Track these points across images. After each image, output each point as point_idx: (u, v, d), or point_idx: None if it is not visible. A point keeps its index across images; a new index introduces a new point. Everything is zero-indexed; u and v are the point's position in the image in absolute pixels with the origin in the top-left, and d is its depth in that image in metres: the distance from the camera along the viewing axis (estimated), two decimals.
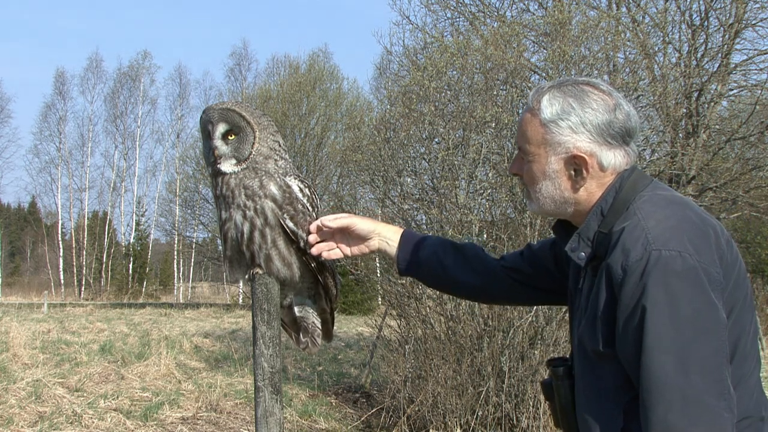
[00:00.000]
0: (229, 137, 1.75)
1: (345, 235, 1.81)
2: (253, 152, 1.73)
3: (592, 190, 1.49)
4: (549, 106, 1.48)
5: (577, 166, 1.48)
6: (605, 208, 1.46)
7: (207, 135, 1.76)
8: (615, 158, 1.47)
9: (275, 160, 1.76)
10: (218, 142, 1.74)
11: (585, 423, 1.45)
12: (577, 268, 1.54)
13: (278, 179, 1.75)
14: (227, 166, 1.74)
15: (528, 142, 1.51)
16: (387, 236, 1.82)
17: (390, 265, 6.93)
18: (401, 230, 1.84)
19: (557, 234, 1.64)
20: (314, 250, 1.78)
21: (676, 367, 1.27)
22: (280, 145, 1.78)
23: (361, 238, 1.82)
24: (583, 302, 1.48)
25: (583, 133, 1.46)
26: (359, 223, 1.79)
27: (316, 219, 1.80)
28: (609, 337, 1.38)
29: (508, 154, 6.17)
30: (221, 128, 1.74)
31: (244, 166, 1.73)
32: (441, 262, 1.78)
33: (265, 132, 1.76)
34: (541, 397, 5.61)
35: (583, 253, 1.47)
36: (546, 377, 1.62)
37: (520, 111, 7.24)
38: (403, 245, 1.81)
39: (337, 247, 1.81)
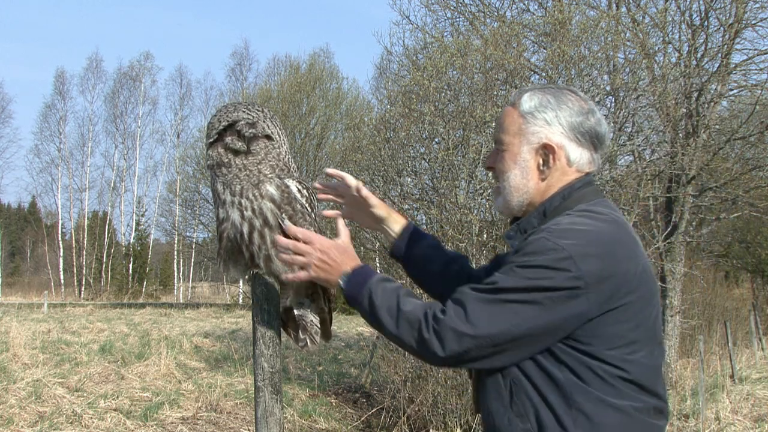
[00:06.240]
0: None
1: (356, 204, 1.88)
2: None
3: (552, 183, 1.58)
4: (529, 100, 1.60)
5: (545, 156, 1.58)
6: (549, 209, 1.56)
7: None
8: (582, 157, 1.59)
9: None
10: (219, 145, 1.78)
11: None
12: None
13: (276, 180, 1.75)
14: None
15: (505, 132, 1.62)
16: (390, 226, 1.90)
17: (390, 265, 6.93)
18: (405, 222, 1.91)
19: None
20: (321, 196, 1.87)
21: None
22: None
23: (371, 218, 1.90)
24: None
25: (557, 127, 1.57)
26: (377, 207, 1.88)
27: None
28: None
29: None
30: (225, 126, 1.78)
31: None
32: (426, 267, 1.87)
33: None
34: None
35: (516, 242, 1.56)
36: None
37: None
38: (405, 234, 1.89)
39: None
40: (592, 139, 1.59)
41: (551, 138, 1.57)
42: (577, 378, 1.42)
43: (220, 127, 1.76)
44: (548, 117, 1.57)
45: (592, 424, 1.41)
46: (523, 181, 1.59)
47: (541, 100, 1.59)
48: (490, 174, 1.73)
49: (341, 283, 1.64)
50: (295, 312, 1.94)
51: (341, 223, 1.74)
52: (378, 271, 1.66)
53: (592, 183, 1.60)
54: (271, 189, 1.74)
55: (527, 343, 1.43)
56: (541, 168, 1.58)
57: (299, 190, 1.78)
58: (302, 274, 1.69)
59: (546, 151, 1.57)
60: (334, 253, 1.66)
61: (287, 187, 1.76)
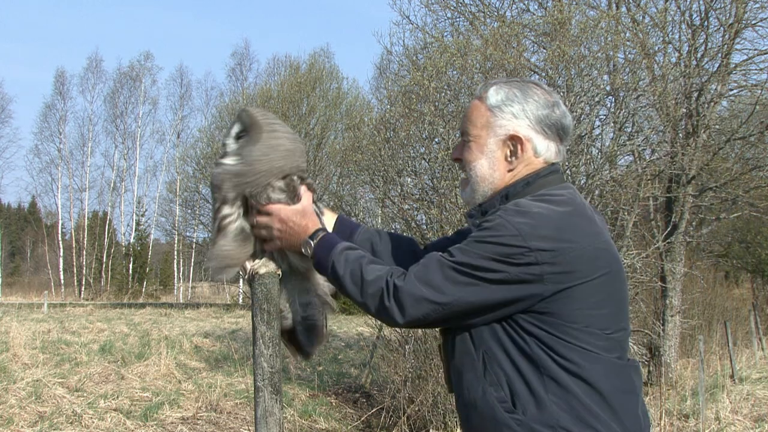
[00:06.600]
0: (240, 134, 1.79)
1: None
2: None
3: (517, 174, 1.62)
4: (495, 94, 1.63)
5: (513, 146, 1.61)
6: (511, 193, 1.60)
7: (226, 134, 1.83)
8: (549, 149, 1.63)
9: None
10: (229, 140, 1.80)
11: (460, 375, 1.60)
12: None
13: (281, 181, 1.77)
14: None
15: (472, 124, 1.65)
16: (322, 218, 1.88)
17: None
18: (336, 215, 1.92)
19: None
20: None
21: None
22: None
23: None
24: None
25: (524, 120, 1.61)
26: None
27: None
28: None
29: None
30: (236, 128, 1.79)
31: None
32: (374, 249, 1.84)
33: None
34: None
35: (476, 221, 1.61)
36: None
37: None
38: (338, 227, 1.88)
39: None
40: (557, 131, 1.63)
41: (518, 130, 1.61)
42: (547, 348, 1.48)
43: (230, 129, 1.79)
44: (515, 110, 1.61)
45: (563, 390, 1.46)
46: (490, 171, 1.62)
47: (507, 94, 1.62)
48: (458, 166, 1.75)
49: (303, 250, 1.68)
50: (302, 313, 1.91)
51: (303, 188, 1.77)
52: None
53: (558, 172, 1.64)
54: (278, 184, 1.76)
55: (485, 312, 1.50)
56: (509, 159, 1.62)
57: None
58: (271, 246, 1.74)
59: (514, 141, 1.61)
60: (293, 220, 1.70)
61: (292, 180, 1.77)
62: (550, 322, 1.48)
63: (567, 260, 1.46)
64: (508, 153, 1.62)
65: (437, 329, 1.67)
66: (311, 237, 1.68)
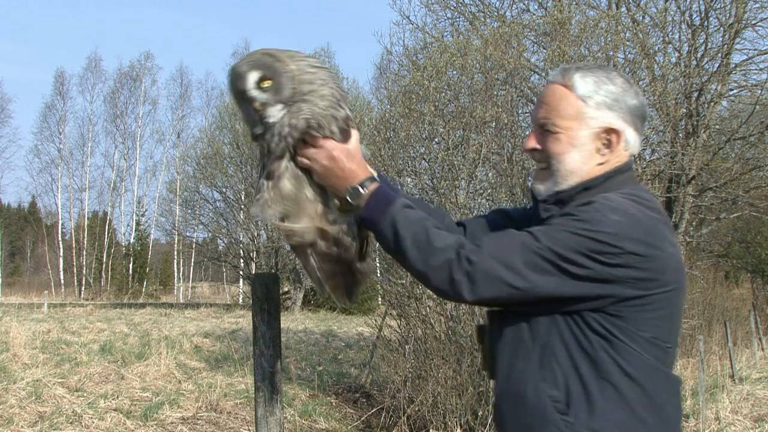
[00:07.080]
0: (263, 84, 1.51)
1: None
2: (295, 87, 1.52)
3: (605, 167, 1.54)
4: (583, 83, 1.52)
5: (608, 139, 1.52)
6: (592, 186, 1.52)
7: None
8: (635, 140, 1.55)
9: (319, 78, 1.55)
10: (254, 92, 1.52)
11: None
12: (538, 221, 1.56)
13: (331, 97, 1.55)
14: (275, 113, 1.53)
15: (559, 115, 1.53)
16: None
17: (390, 265, 6.93)
18: (373, 167, 1.75)
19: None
20: None
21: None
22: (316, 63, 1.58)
23: None
24: None
25: (617, 111, 1.52)
26: None
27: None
28: None
29: (508, 154, 6.17)
30: (254, 76, 1.52)
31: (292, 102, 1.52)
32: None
33: (293, 62, 1.54)
34: None
35: (550, 207, 1.54)
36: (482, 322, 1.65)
37: (521, 108, 7.23)
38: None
39: None
40: (642, 122, 1.56)
41: (612, 122, 1.51)
42: (613, 351, 1.42)
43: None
44: (608, 101, 1.51)
45: (621, 397, 1.41)
46: (581, 164, 1.52)
47: (596, 82, 1.52)
48: (534, 156, 1.60)
49: (349, 197, 1.51)
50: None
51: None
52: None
53: (631, 168, 1.58)
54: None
55: (556, 303, 1.43)
56: (602, 152, 1.53)
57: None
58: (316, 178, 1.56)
59: (608, 135, 1.52)
60: (342, 161, 1.51)
61: (348, 115, 1.57)
62: (620, 326, 1.41)
63: (653, 267, 1.41)
64: (601, 146, 1.52)
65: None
66: (361, 184, 1.51)
